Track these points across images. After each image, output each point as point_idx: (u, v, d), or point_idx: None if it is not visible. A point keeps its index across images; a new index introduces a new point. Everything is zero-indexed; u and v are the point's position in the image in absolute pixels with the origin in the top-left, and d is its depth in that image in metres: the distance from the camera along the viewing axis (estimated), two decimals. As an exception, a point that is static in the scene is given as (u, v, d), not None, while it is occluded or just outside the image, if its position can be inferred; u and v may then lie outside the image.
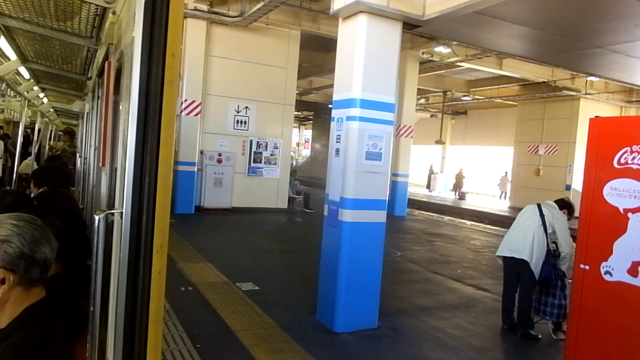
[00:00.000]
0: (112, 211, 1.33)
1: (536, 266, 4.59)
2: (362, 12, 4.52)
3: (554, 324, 4.83)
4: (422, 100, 23.71)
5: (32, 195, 3.16)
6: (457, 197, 23.41)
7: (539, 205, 4.82)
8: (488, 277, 7.15)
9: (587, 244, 3.50)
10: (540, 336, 4.71)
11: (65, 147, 11.33)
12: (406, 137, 13.82)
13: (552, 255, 4.71)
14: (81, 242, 2.15)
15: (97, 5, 2.46)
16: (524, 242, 4.63)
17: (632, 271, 3.21)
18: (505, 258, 4.85)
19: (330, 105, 5.64)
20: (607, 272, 3.35)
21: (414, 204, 18.20)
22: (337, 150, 4.70)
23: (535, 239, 4.60)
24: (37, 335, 1.34)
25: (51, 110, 12.08)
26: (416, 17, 4.79)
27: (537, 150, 18.83)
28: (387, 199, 4.88)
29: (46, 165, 6.04)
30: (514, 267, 4.76)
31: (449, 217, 15.19)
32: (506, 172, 22.07)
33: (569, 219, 4.88)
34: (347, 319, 4.55)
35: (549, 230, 4.67)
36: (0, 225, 1.36)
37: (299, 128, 43.17)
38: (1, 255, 1.32)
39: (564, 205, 4.91)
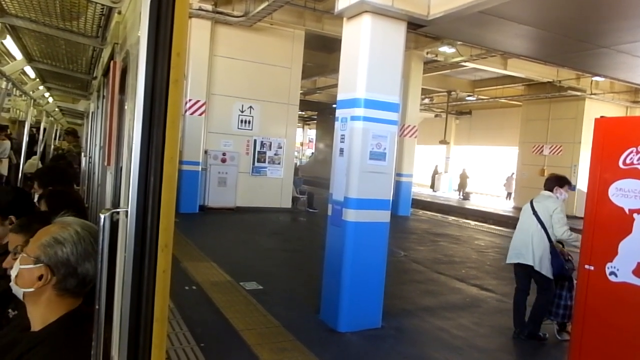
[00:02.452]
0: (118, 210, 1.33)
1: (542, 266, 4.49)
2: (366, 11, 4.52)
3: (558, 325, 4.81)
4: (427, 100, 23.67)
5: (37, 195, 3.17)
6: (461, 197, 23.35)
7: (531, 203, 4.70)
8: (492, 278, 7.13)
9: (592, 244, 3.48)
10: (547, 336, 4.68)
11: (70, 147, 11.39)
12: (410, 137, 13.80)
13: (555, 248, 4.55)
14: None
15: (102, 5, 2.47)
16: (527, 248, 4.56)
17: (637, 272, 3.20)
18: (515, 264, 4.76)
19: (334, 105, 5.65)
20: (612, 273, 3.33)
21: (418, 204, 18.17)
22: (341, 150, 4.70)
23: (534, 241, 4.52)
24: (70, 347, 1.36)
25: (56, 109, 12.13)
26: (421, 16, 4.79)
27: (542, 151, 18.75)
28: (391, 198, 4.87)
29: (50, 164, 6.08)
30: (526, 273, 4.67)
31: (453, 217, 15.15)
32: (513, 173, 21.99)
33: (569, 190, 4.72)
34: (350, 318, 4.55)
35: (548, 225, 4.53)
36: (65, 227, 1.42)
37: (303, 128, 43.18)
38: (51, 254, 1.37)
39: (557, 182, 4.69)
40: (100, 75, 4.23)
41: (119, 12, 2.49)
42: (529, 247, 4.53)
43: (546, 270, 4.51)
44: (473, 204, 20.84)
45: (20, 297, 1.41)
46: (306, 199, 13.61)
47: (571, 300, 4.54)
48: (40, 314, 1.39)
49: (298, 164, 17.81)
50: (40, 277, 1.36)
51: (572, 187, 4.68)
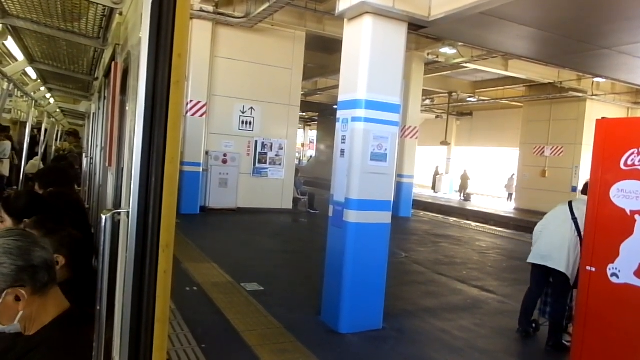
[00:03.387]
0: (119, 210, 1.34)
1: (573, 273, 4.32)
2: (367, 13, 4.52)
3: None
4: (428, 102, 23.66)
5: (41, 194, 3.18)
6: (463, 198, 23.33)
7: (570, 207, 4.46)
8: (493, 279, 7.12)
9: (594, 245, 3.48)
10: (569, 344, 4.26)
11: (72, 148, 11.42)
12: (411, 138, 13.80)
13: None
14: (90, 246, 2.18)
15: (104, 6, 2.48)
16: (559, 252, 4.37)
17: (638, 273, 3.19)
18: (537, 265, 4.60)
19: (335, 106, 5.65)
20: (613, 274, 3.33)
21: (419, 205, 18.16)
22: (342, 151, 4.70)
23: (570, 247, 4.33)
24: (67, 348, 1.36)
25: (58, 110, 12.15)
26: (422, 18, 4.79)
27: (543, 152, 18.74)
28: (392, 200, 4.87)
29: (51, 165, 6.09)
30: (547, 276, 4.58)
31: (454, 219, 15.14)
32: (513, 174, 21.99)
33: None
34: (351, 319, 4.55)
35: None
36: None
37: (304, 129, 43.19)
38: (1, 278, 1.29)
39: None
40: (101, 76, 4.24)
41: (120, 13, 2.50)
42: (562, 252, 4.34)
43: (573, 275, 4.35)
44: (474, 205, 20.82)
45: (19, 329, 1.37)
46: (307, 200, 13.61)
47: (572, 302, 4.49)
48: (36, 324, 1.39)
49: (298, 164, 17.82)
50: (17, 299, 1.31)
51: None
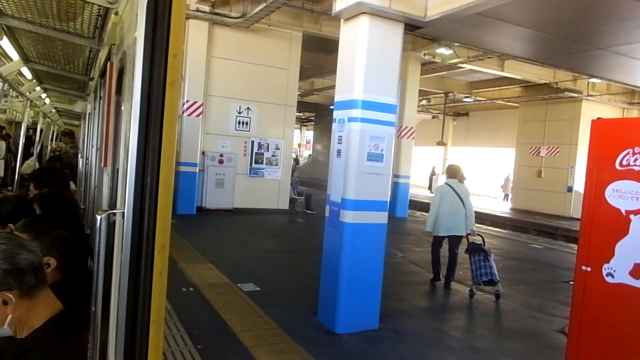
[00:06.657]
0: (114, 211, 1.33)
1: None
2: (363, 13, 4.52)
3: (483, 284, 5.99)
4: (424, 102, 23.69)
5: (32, 196, 3.16)
6: (459, 198, 23.35)
7: (453, 189, 6.51)
8: (489, 279, 7.12)
9: (589, 245, 3.49)
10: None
11: (67, 149, 11.38)
12: (407, 138, 13.82)
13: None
14: (83, 248, 2.16)
15: (99, 5, 2.46)
16: (462, 223, 6.42)
17: (634, 273, 3.20)
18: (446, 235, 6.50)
19: (331, 107, 5.65)
20: (608, 274, 3.34)
21: (416, 205, 18.18)
22: (339, 152, 4.70)
23: (465, 217, 6.42)
24: (61, 349, 1.35)
25: (53, 110, 12.09)
26: (418, 18, 4.79)
27: (539, 152, 18.80)
28: (389, 200, 4.88)
29: (46, 166, 6.06)
30: (452, 240, 6.53)
31: (451, 219, 15.11)
32: (509, 175, 22.03)
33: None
34: (348, 320, 4.55)
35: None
36: None
37: (301, 129, 43.17)
38: None
39: (459, 172, 6.84)
40: (97, 77, 4.21)
41: (116, 13, 2.48)
42: (463, 223, 6.43)
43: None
44: (470, 205, 20.81)
45: (10, 331, 1.36)
46: (304, 200, 13.60)
47: (489, 261, 6.05)
48: (27, 327, 1.38)
49: (295, 164, 17.79)
50: (4, 303, 1.29)
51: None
